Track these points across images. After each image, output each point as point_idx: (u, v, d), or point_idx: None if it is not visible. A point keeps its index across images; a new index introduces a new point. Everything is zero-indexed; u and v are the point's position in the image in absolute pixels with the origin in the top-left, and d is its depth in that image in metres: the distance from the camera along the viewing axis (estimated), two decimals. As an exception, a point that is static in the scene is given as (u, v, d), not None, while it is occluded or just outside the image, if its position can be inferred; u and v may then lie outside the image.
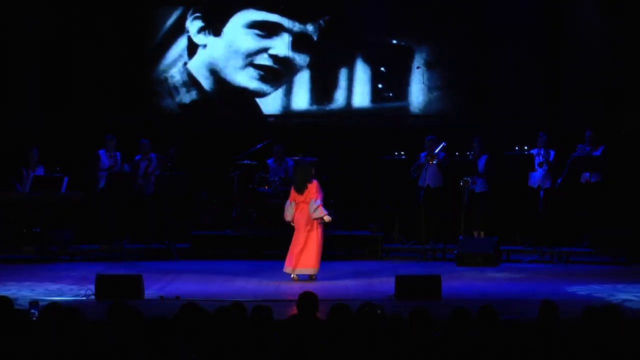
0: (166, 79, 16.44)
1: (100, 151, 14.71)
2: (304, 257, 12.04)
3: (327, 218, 12.10)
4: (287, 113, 16.48)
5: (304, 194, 12.13)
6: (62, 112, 15.78)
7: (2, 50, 15.54)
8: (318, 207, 12.04)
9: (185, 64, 16.43)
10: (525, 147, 14.44)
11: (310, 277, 12.09)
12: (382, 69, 16.42)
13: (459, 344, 5.90)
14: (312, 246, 12.07)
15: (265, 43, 16.46)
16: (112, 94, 15.90)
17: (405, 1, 16.37)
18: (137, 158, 14.92)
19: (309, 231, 12.08)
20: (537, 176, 14.47)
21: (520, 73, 15.76)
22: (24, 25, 15.62)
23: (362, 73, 16.44)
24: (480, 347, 5.86)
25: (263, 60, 16.48)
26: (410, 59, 16.33)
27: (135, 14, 16.23)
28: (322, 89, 16.51)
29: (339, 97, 16.51)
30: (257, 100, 16.50)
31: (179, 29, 16.43)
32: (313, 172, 12.32)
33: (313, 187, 12.13)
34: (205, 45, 16.46)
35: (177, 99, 16.49)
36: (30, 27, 15.66)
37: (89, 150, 14.81)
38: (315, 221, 12.07)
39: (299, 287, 10.66)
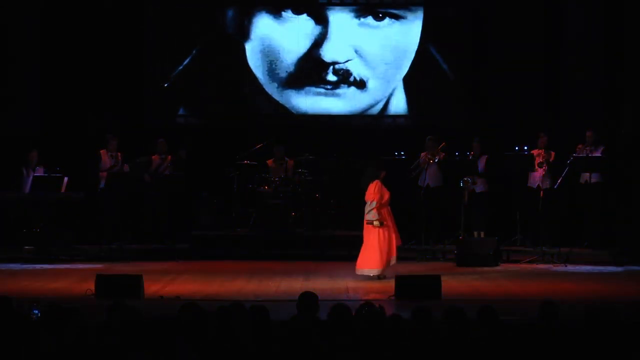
0: (166, 81, 16.35)
1: (101, 151, 14.70)
2: (362, 257, 12.07)
3: (376, 223, 12.03)
4: (288, 114, 16.43)
5: (366, 193, 12.10)
6: (62, 113, 15.76)
7: (2, 51, 15.54)
8: (372, 209, 12.01)
9: (183, 67, 16.35)
10: (525, 147, 14.44)
11: (379, 277, 12.02)
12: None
13: (459, 344, 5.90)
14: (370, 246, 12.02)
15: (274, 47, 16.38)
16: (112, 94, 15.86)
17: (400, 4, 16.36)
18: (153, 156, 14.91)
19: (367, 231, 12.07)
20: (536, 176, 14.47)
21: (521, 74, 15.73)
22: (24, 25, 15.61)
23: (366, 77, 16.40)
24: (481, 348, 5.86)
25: (267, 65, 16.38)
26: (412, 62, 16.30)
27: (136, 14, 16.18)
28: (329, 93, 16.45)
29: (347, 91, 16.42)
30: (259, 104, 16.45)
31: (180, 31, 16.37)
32: (380, 173, 12.16)
33: (372, 187, 12.04)
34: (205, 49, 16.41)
35: (177, 101, 16.43)
36: (30, 27, 15.65)
37: (89, 150, 14.81)
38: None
39: (299, 287, 10.66)
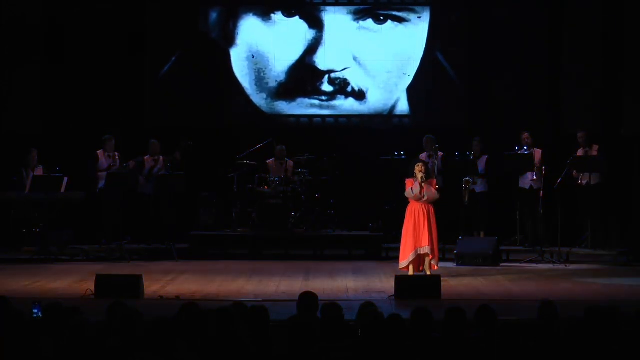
0: (165, 82, 16.11)
1: (98, 151, 14.70)
2: None
3: (419, 178, 11.59)
4: (288, 114, 16.25)
5: None
6: (62, 113, 15.76)
7: (2, 50, 15.54)
8: (411, 195, 11.65)
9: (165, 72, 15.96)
10: (525, 148, 14.44)
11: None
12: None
13: (459, 344, 5.91)
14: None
15: (263, 53, 15.81)
16: (112, 94, 15.85)
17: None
18: (145, 157, 14.91)
19: None
20: (528, 177, 14.45)
21: (521, 74, 15.73)
22: (24, 24, 15.60)
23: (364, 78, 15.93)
24: (480, 348, 5.86)
25: (255, 73, 15.85)
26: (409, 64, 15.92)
27: (136, 15, 16.14)
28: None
29: (345, 103, 15.96)
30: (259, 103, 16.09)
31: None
32: (411, 171, 11.74)
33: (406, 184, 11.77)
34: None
35: (174, 102, 16.28)
36: (30, 27, 15.64)
37: (88, 151, 14.81)
38: None
39: (299, 287, 10.67)
